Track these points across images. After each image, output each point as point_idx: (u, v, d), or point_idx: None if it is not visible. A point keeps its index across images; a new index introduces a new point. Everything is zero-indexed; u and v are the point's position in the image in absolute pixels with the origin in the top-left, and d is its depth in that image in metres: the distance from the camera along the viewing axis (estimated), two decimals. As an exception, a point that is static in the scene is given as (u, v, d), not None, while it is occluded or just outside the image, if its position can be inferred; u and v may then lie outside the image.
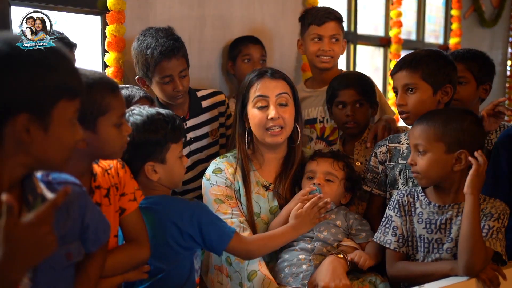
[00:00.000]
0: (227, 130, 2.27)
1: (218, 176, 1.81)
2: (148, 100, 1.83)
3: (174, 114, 1.57)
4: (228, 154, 1.89)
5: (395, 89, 1.82)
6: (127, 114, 1.49)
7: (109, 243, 1.32)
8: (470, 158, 1.53)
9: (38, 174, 1.08)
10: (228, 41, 2.64)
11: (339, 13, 2.39)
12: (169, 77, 1.99)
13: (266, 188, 1.85)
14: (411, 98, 1.75)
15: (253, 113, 1.81)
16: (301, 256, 1.74)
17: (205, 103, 2.22)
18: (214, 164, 1.87)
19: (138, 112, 1.51)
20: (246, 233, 1.72)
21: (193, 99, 2.20)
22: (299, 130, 1.86)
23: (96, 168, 1.38)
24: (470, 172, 1.51)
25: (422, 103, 1.74)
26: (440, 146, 1.58)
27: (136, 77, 2.09)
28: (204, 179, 1.85)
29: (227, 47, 2.64)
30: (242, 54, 2.52)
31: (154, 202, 1.53)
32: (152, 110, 1.53)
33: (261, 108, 1.79)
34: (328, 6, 2.45)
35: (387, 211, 1.73)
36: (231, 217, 1.74)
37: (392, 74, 1.83)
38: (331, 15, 2.34)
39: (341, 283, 1.60)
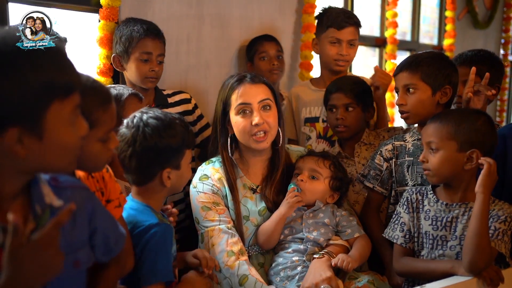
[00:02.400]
0: (201, 131, 2.29)
1: (205, 183, 1.80)
2: (137, 97, 1.80)
3: (184, 117, 1.52)
4: (213, 159, 1.87)
5: (396, 89, 1.87)
6: (139, 115, 1.44)
7: None
8: (481, 158, 1.55)
9: (46, 176, 1.02)
10: (226, 40, 2.64)
11: (357, 18, 2.42)
12: (148, 55, 2.08)
13: (254, 191, 1.85)
14: (411, 98, 1.81)
15: (237, 121, 1.78)
16: (295, 258, 1.75)
17: (170, 100, 2.27)
18: (200, 171, 1.85)
19: (153, 115, 1.44)
20: (234, 239, 1.72)
21: (159, 93, 2.24)
22: (281, 133, 1.85)
23: (79, 172, 1.29)
24: (482, 172, 1.52)
25: (421, 103, 1.79)
26: (453, 144, 1.60)
27: (113, 55, 2.13)
28: (191, 186, 1.83)
29: (229, 47, 2.65)
30: (258, 52, 2.55)
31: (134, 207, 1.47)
32: (166, 113, 1.47)
33: (244, 115, 1.78)
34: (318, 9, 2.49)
35: (397, 208, 1.77)
36: (219, 224, 1.74)
37: (394, 75, 1.89)
38: (350, 20, 2.36)
39: (321, 278, 1.61)
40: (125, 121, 1.45)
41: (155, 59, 2.09)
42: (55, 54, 0.92)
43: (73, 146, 0.95)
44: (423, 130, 1.72)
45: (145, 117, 1.43)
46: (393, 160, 1.92)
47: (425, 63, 1.80)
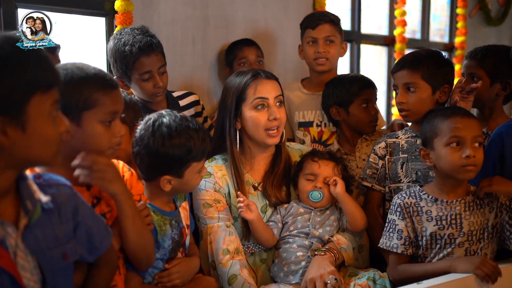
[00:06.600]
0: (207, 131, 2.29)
1: (207, 180, 1.81)
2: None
3: (205, 129, 1.52)
4: (216, 157, 1.89)
5: (395, 87, 1.88)
6: (156, 117, 1.47)
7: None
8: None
9: (30, 175, 1.06)
10: (231, 41, 2.63)
11: (334, 16, 2.41)
12: (148, 73, 1.98)
13: (255, 188, 1.87)
14: (412, 96, 1.82)
15: (252, 115, 1.80)
16: (299, 254, 1.77)
17: (182, 102, 2.24)
18: None
19: (167, 122, 1.45)
20: (232, 237, 1.74)
21: (171, 98, 2.20)
22: (284, 130, 1.88)
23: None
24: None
25: (421, 101, 1.81)
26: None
27: (114, 77, 2.03)
28: None
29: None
30: (238, 58, 2.50)
31: None
32: (183, 121, 1.47)
33: (260, 110, 1.80)
34: (327, 8, 2.49)
35: (389, 215, 1.74)
36: (218, 221, 1.76)
37: (393, 73, 1.89)
38: (325, 17, 2.36)
39: (326, 271, 1.63)
40: (146, 117, 1.50)
41: (157, 74, 1.99)
42: (38, 52, 0.98)
43: (55, 138, 1.00)
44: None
45: (160, 121, 1.46)
46: (387, 157, 1.93)
47: (425, 63, 1.82)
